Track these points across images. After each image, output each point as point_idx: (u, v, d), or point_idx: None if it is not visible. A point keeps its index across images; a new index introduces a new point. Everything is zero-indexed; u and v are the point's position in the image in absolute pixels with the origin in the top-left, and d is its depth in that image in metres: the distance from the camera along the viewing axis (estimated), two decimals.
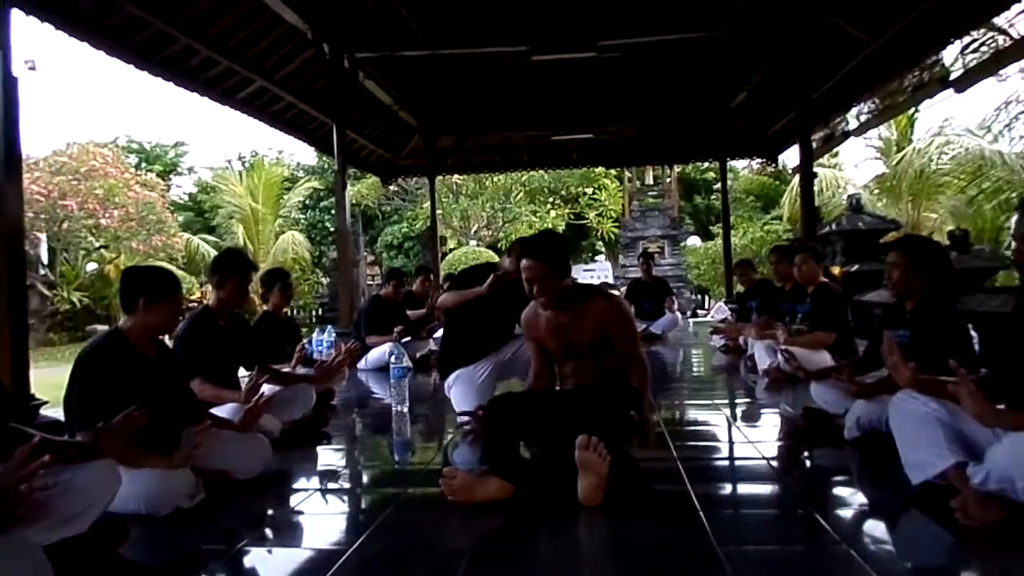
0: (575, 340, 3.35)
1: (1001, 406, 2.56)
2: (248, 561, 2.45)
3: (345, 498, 3.25)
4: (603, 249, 29.40)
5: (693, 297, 22.51)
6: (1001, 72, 12.81)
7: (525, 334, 3.62)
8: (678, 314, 10.41)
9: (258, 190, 24.04)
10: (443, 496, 2.80)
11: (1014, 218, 2.61)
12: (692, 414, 4.89)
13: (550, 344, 3.45)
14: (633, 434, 3.19)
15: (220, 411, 3.67)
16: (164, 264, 17.02)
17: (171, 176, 30.58)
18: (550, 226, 25.42)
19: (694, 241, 25.89)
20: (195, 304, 12.22)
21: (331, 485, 3.37)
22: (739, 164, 27.14)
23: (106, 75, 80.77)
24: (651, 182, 28.00)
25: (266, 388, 3.99)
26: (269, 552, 2.58)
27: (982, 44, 7.34)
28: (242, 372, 4.33)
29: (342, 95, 8.59)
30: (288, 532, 2.83)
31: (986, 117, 15.41)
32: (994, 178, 14.31)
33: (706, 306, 19.01)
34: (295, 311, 23.58)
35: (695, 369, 7.39)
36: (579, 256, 29.77)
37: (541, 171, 21.85)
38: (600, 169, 23.36)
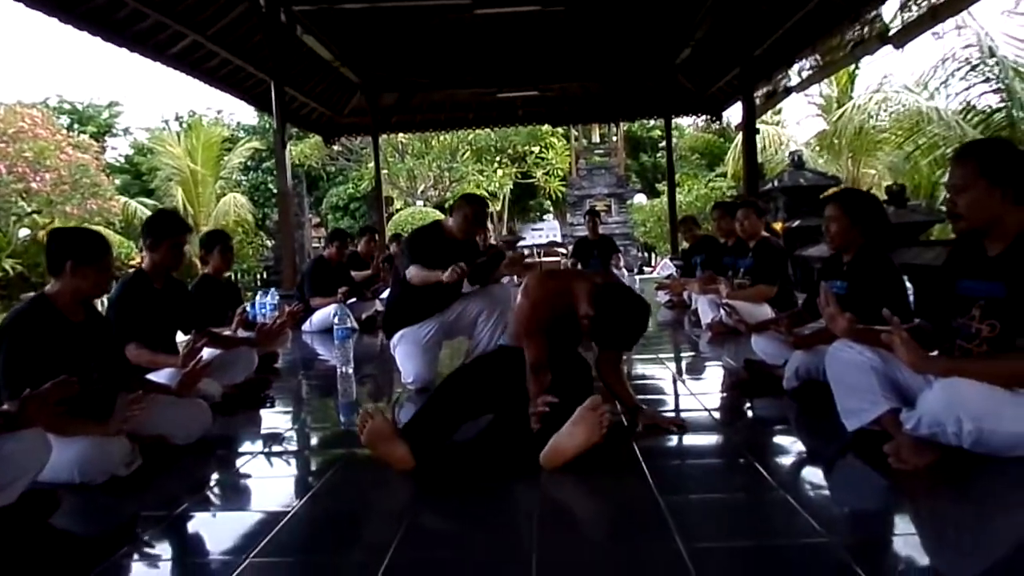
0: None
1: (934, 354, 2.64)
2: (189, 526, 2.39)
3: (288, 461, 3.21)
4: (551, 208, 29.45)
5: (640, 254, 22.78)
6: (938, 29, 13.03)
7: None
8: (624, 271, 10.49)
9: (197, 151, 23.39)
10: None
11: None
12: (637, 369, 4.93)
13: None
14: None
15: (157, 376, 3.58)
16: (101, 229, 16.53)
17: (106, 138, 29.49)
18: (497, 185, 25.35)
19: (640, 199, 26.10)
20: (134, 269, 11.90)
21: (274, 448, 3.32)
22: (684, 122, 27.33)
23: (34, 32, 77.41)
24: (598, 140, 28.09)
25: (206, 352, 3.90)
26: (211, 516, 2.53)
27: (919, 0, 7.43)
28: (181, 337, 4.23)
29: (280, 50, 8.35)
30: (230, 496, 2.78)
31: (923, 74, 15.66)
32: (930, 134, 14.61)
33: (653, 263, 19.23)
34: (239, 275, 23.19)
35: None
36: (527, 215, 29.80)
37: (487, 129, 21.64)
38: (547, 128, 23.29)
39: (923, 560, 1.94)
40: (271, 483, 2.92)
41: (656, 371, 4.73)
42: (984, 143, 2.70)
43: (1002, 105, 13.29)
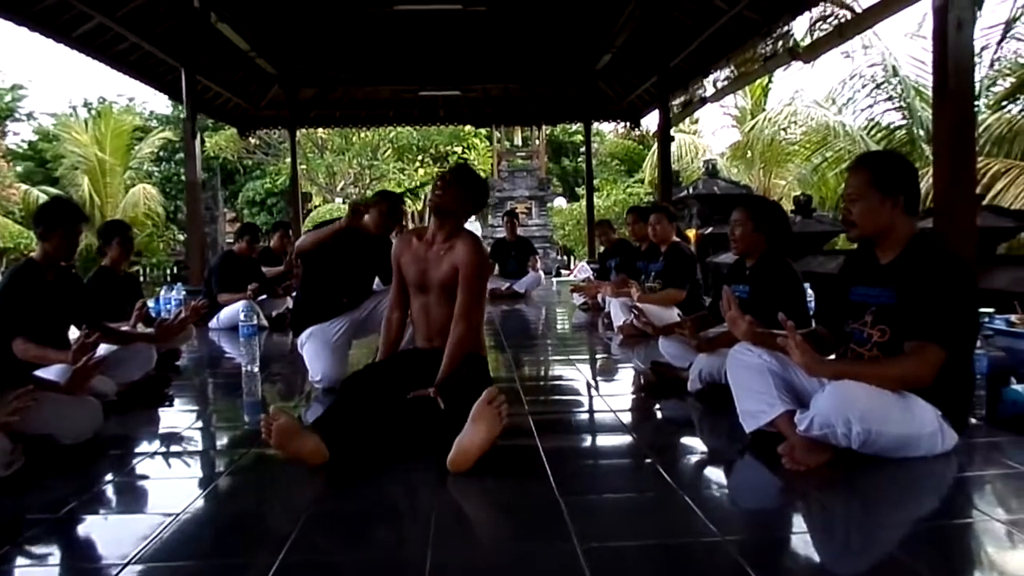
0: (432, 274, 3.25)
1: (831, 357, 2.73)
2: (73, 529, 2.27)
3: (186, 461, 3.09)
4: None
5: (559, 257, 22.95)
6: (846, 48, 13.60)
7: (394, 256, 3.42)
8: (541, 273, 10.57)
9: (106, 139, 22.50)
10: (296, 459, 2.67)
11: None
12: (548, 371, 4.96)
13: (407, 272, 3.33)
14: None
15: (47, 372, 3.41)
16: None
17: (7, 122, 28.02)
18: (419, 184, 25.17)
19: (560, 202, 26.32)
20: None
21: (172, 448, 3.19)
22: (606, 128, 27.72)
23: None
24: (520, 143, 28.12)
25: (101, 348, 3.73)
26: (100, 519, 2.40)
27: (828, 18, 7.71)
28: (75, 332, 4.03)
29: (192, 37, 8.07)
30: (121, 497, 2.64)
31: (832, 90, 16.37)
32: (837, 148, 15.25)
33: (571, 266, 19.40)
34: (148, 269, 22.40)
35: (556, 327, 7.51)
36: None
37: (409, 128, 21.49)
38: (469, 128, 23.28)
39: (813, 558, 1.98)
40: (165, 484, 2.79)
41: (568, 372, 4.75)
42: (877, 155, 2.81)
43: (903, 122, 13.95)
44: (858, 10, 7.02)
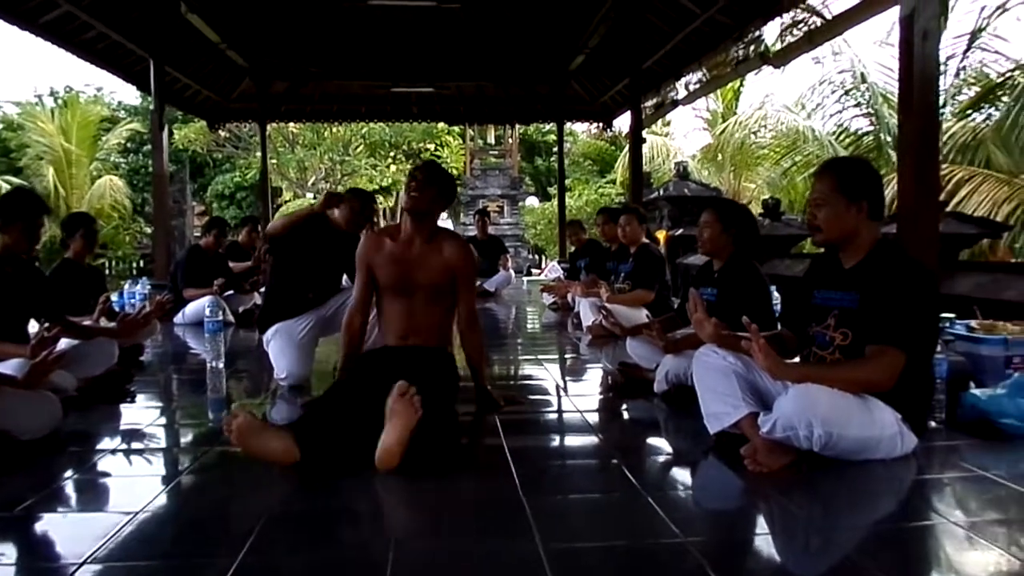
0: (417, 276, 3.25)
1: (795, 360, 2.76)
2: (28, 527, 2.22)
3: (147, 459, 3.03)
4: None
5: (530, 256, 22.97)
6: (816, 54, 13.76)
7: (358, 257, 3.40)
8: (511, 272, 10.59)
9: (72, 130, 22.05)
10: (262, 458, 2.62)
11: None
12: (517, 370, 4.96)
13: (385, 273, 3.30)
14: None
15: (3, 367, 3.32)
16: None
17: None
18: (391, 181, 25.04)
19: (532, 201, 26.35)
20: None
21: (133, 445, 3.14)
22: (579, 128, 27.77)
23: None
24: (493, 142, 28.14)
25: (62, 342, 3.66)
26: (57, 516, 2.35)
27: (798, 24, 7.80)
28: (36, 326, 3.95)
29: (161, 28, 7.95)
30: (79, 495, 2.59)
31: (802, 95, 16.57)
32: (806, 152, 15.45)
33: (542, 265, 19.43)
34: (114, 262, 22.04)
35: (525, 326, 7.52)
36: None
37: (382, 124, 21.36)
38: (442, 126, 23.19)
39: (774, 559, 1.99)
40: (126, 482, 2.74)
41: (537, 372, 4.76)
42: (843, 161, 2.85)
43: (871, 128, 14.16)
44: (828, 17, 7.12)
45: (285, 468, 2.56)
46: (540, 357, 5.22)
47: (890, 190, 8.31)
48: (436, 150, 25.49)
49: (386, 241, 3.33)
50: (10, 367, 3.34)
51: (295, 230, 4.18)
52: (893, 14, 4.98)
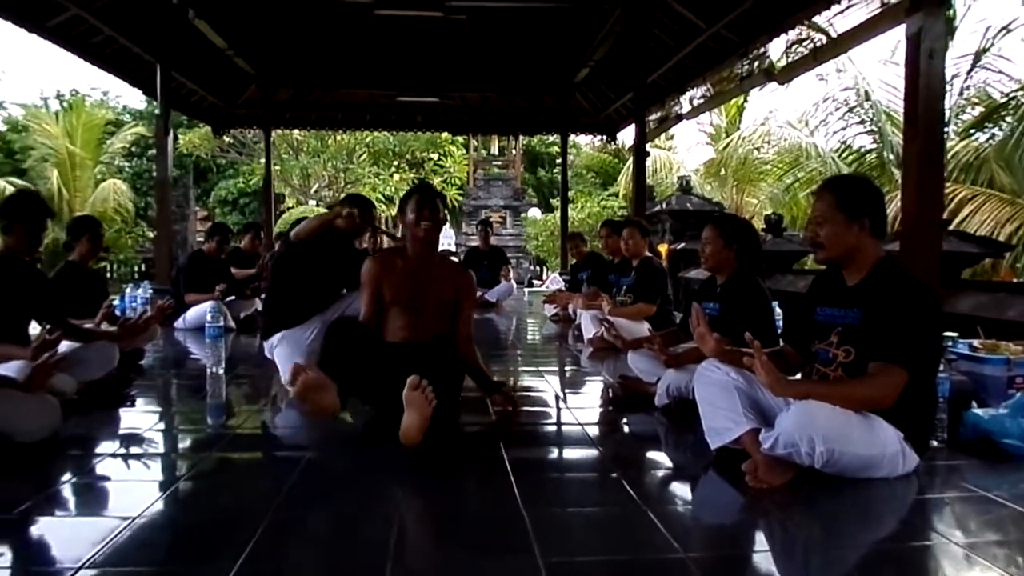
0: (430, 293, 3.53)
1: (797, 376, 2.75)
2: (24, 530, 2.21)
3: (146, 463, 3.02)
4: (446, 216, 29.34)
5: (531, 267, 22.97)
6: (820, 71, 13.82)
7: (368, 276, 3.60)
8: (513, 283, 10.59)
9: (77, 133, 22.06)
10: (259, 465, 2.63)
11: None
12: (517, 381, 4.94)
13: (395, 292, 3.53)
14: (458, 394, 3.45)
15: (3, 369, 3.33)
16: None
17: None
18: (394, 190, 25.07)
19: (535, 213, 26.35)
20: None
21: (132, 449, 3.13)
22: (582, 140, 27.76)
23: None
24: (496, 152, 28.23)
25: (63, 345, 3.66)
26: (52, 520, 2.34)
27: (803, 41, 7.84)
28: (37, 328, 3.95)
29: (169, 33, 7.98)
30: (77, 498, 2.58)
31: (806, 112, 16.61)
32: (809, 169, 15.48)
33: (544, 276, 19.42)
34: (116, 266, 22.05)
35: (526, 337, 7.51)
36: None
37: (386, 133, 21.41)
38: (446, 136, 23.23)
39: None
40: (124, 486, 2.73)
41: (537, 384, 4.74)
42: (844, 179, 2.86)
43: (874, 146, 14.19)
44: (833, 35, 7.15)
45: (280, 476, 2.55)
46: (541, 369, 5.22)
47: (893, 208, 8.33)
48: (439, 160, 25.53)
49: (398, 262, 3.60)
50: (10, 369, 3.34)
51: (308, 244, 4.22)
52: (899, 33, 5.01)
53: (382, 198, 24.59)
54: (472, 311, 3.80)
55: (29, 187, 19.76)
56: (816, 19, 7.57)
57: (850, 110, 14.45)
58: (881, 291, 2.54)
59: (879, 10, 5.76)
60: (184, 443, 3.42)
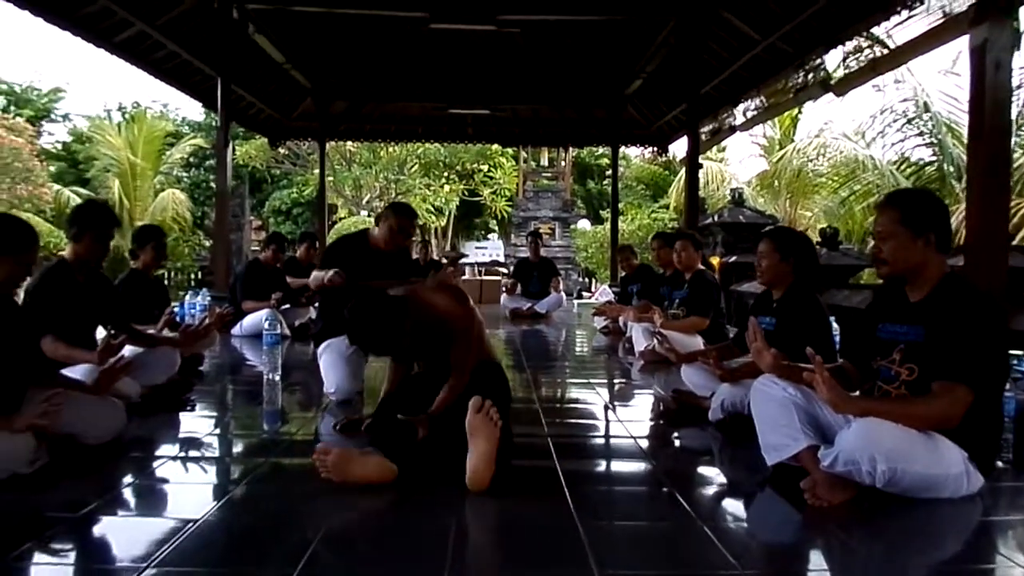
0: None
1: (856, 394, 2.70)
2: (93, 529, 2.29)
3: (205, 467, 3.10)
4: (495, 227, 29.50)
5: (580, 279, 22.92)
6: (878, 82, 13.55)
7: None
8: (563, 294, 10.58)
9: (138, 144, 22.79)
10: (314, 470, 2.64)
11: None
12: (568, 393, 4.94)
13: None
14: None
15: (73, 372, 3.44)
16: (30, 216, 15.96)
17: (43, 122, 28.44)
18: (444, 201, 25.27)
19: (584, 224, 26.30)
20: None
21: (191, 453, 3.21)
22: (632, 152, 27.72)
23: None
24: (546, 164, 28.31)
25: (127, 350, 3.77)
26: (118, 520, 2.41)
27: (859, 52, 7.71)
28: (103, 333, 4.08)
29: (230, 47, 8.19)
30: (140, 500, 2.66)
31: (862, 123, 16.29)
32: (865, 181, 15.15)
33: (592, 288, 19.36)
34: (173, 273, 22.60)
35: (575, 349, 7.49)
36: (472, 233, 29.79)
37: (436, 144, 21.60)
38: (496, 147, 23.34)
39: None
40: (184, 489, 2.80)
41: (587, 396, 4.74)
42: (907, 193, 2.80)
43: (934, 159, 13.83)
44: (891, 46, 7.01)
45: (365, 488, 2.58)
46: (591, 380, 5.20)
47: (954, 221, 8.11)
48: (489, 171, 25.65)
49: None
50: (78, 372, 3.45)
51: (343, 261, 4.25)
52: (960, 43, 4.90)
53: (432, 209, 24.81)
54: None
55: (94, 196, 20.41)
56: (874, 30, 7.43)
57: (909, 121, 14.11)
58: (946, 308, 2.48)
59: (941, 20, 5.64)
60: (242, 448, 3.50)
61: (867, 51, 7.63)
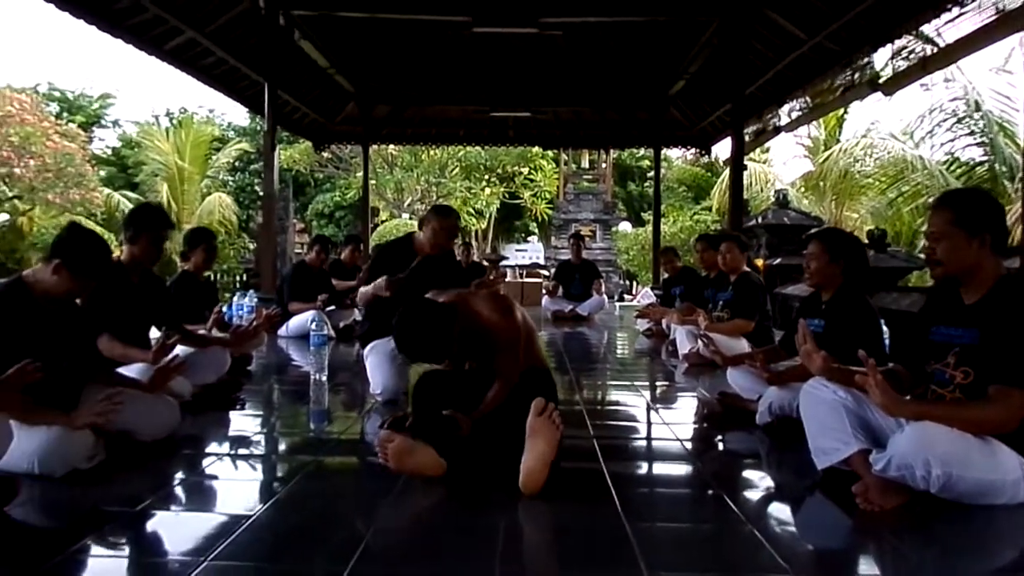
0: None
1: (907, 397, 2.65)
2: (148, 524, 2.34)
3: (255, 465, 3.17)
4: (536, 230, 29.53)
5: (621, 282, 22.81)
6: (926, 81, 13.29)
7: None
8: (605, 297, 10.56)
9: (185, 148, 23.30)
10: (380, 464, 2.69)
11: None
12: (612, 395, 4.93)
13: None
14: None
15: (128, 370, 3.53)
16: (82, 219, 16.36)
17: (94, 128, 29.27)
18: (484, 203, 25.35)
19: (625, 227, 26.16)
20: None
21: (241, 451, 3.28)
22: (673, 154, 27.39)
23: (28, 17, 77.00)
24: (587, 166, 28.24)
25: (179, 350, 3.86)
26: (173, 515, 2.47)
27: (908, 51, 7.57)
28: (156, 333, 4.18)
29: (276, 53, 8.33)
30: (193, 496, 2.72)
31: (910, 123, 15.95)
32: (913, 182, 14.83)
33: (634, 291, 19.25)
34: (219, 275, 23.02)
35: (618, 351, 7.47)
36: (512, 235, 29.86)
37: (477, 147, 21.70)
38: (537, 149, 23.36)
39: None
40: (235, 486, 2.87)
41: (630, 399, 4.73)
42: (961, 193, 2.75)
43: (985, 159, 13.52)
44: (941, 44, 6.88)
45: (390, 480, 2.62)
46: (635, 383, 5.19)
47: (1009, 221, 7.92)
48: (530, 173, 25.68)
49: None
50: (133, 371, 3.54)
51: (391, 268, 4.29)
52: (1012, 40, 4.79)
53: (472, 212, 24.91)
54: None
55: (144, 199, 20.88)
56: (923, 28, 7.29)
57: (959, 121, 13.81)
58: (1002, 310, 2.43)
59: (994, 17, 5.52)
60: (290, 446, 3.55)
61: (916, 49, 7.49)
